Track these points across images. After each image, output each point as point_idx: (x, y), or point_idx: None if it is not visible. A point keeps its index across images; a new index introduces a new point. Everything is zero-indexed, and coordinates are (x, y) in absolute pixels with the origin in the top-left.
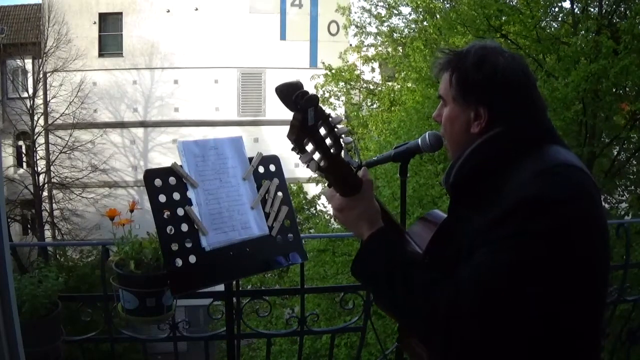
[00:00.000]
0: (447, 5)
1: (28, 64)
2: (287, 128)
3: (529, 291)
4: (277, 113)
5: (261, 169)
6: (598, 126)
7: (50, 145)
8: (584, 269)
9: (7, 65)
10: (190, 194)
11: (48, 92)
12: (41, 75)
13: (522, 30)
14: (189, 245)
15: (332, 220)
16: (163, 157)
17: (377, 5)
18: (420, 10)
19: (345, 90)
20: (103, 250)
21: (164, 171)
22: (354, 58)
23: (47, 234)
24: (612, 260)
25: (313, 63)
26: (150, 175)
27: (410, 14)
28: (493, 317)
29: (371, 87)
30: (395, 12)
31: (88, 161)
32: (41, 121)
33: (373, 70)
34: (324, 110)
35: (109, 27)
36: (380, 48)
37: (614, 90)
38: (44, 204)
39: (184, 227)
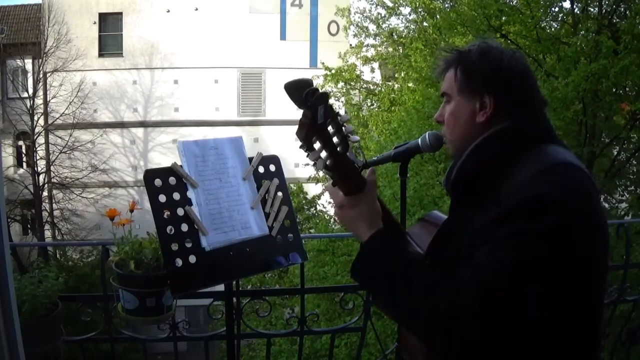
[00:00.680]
0: (447, 6)
1: (28, 64)
2: (287, 128)
3: (529, 291)
4: (277, 113)
5: (261, 169)
6: (598, 126)
7: (50, 145)
8: (583, 268)
9: (7, 65)
10: (190, 194)
11: (48, 92)
12: (41, 75)
13: (522, 30)
14: (189, 245)
15: (332, 220)
16: (163, 157)
17: (377, 5)
18: (420, 10)
19: (345, 90)
20: (103, 250)
21: (164, 171)
22: (353, 59)
23: (47, 234)
24: (612, 260)
25: (313, 63)
26: (150, 175)
27: (410, 14)
28: (493, 317)
29: (371, 87)
30: (395, 12)
31: (88, 161)
32: (41, 121)
33: (373, 70)
34: (333, 108)
35: (109, 27)
36: (380, 48)
37: (614, 90)
38: (44, 204)
39: (184, 227)
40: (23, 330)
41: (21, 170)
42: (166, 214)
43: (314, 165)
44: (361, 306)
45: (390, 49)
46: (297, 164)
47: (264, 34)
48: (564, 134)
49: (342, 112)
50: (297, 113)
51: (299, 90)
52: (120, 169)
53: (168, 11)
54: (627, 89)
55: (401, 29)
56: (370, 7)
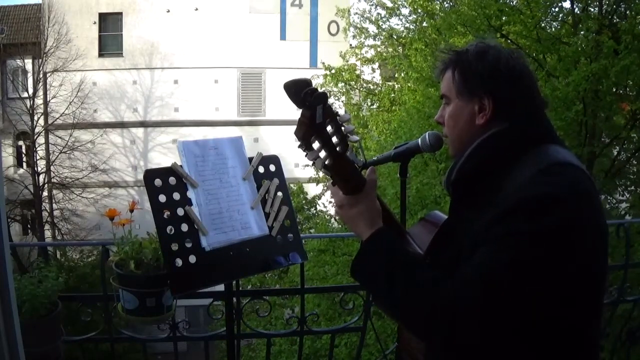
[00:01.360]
0: (447, 6)
1: (28, 64)
2: (287, 128)
3: (528, 290)
4: (277, 113)
5: (261, 169)
6: (598, 126)
7: (50, 145)
8: (583, 269)
9: (7, 65)
10: (190, 194)
11: (48, 92)
12: (41, 75)
13: (523, 30)
14: (189, 245)
15: (332, 220)
16: (163, 157)
17: (377, 6)
18: (420, 11)
19: (345, 90)
20: (103, 250)
21: (164, 171)
22: (353, 59)
23: (47, 234)
24: (613, 260)
25: (313, 63)
26: (150, 175)
27: (410, 15)
28: (492, 316)
29: (371, 87)
30: (395, 13)
31: (88, 161)
32: (41, 121)
33: (373, 70)
34: (332, 108)
35: (109, 27)
36: (380, 49)
37: (614, 90)
38: (44, 204)
39: (184, 227)
40: (23, 330)
41: (21, 170)
42: (166, 214)
43: (313, 164)
44: (361, 306)
45: (390, 50)
46: (297, 164)
47: (264, 34)
48: (565, 134)
49: (342, 111)
50: (297, 113)
51: (298, 90)
52: (120, 169)
53: (168, 11)
54: (627, 88)
55: (401, 30)
56: (370, 8)
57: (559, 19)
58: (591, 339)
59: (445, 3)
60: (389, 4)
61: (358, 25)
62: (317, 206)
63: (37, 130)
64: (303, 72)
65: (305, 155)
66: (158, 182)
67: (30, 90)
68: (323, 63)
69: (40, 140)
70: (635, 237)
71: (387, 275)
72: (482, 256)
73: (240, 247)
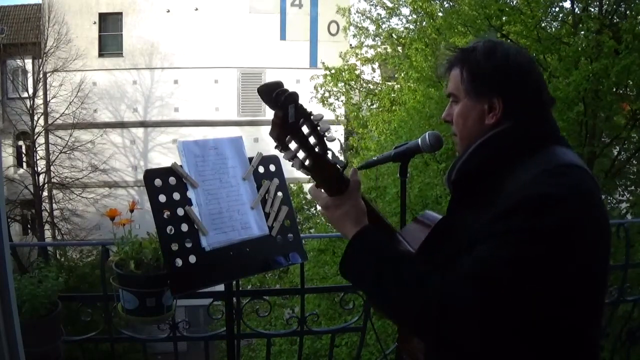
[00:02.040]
0: (447, 6)
1: (28, 64)
2: None
3: (527, 288)
4: None
5: (261, 169)
6: (598, 126)
7: (50, 145)
8: (583, 268)
9: (7, 65)
10: (190, 194)
11: (48, 92)
12: (41, 75)
13: (523, 30)
14: (189, 245)
15: None
16: (163, 157)
17: (377, 6)
18: (420, 12)
19: (345, 90)
20: (103, 250)
21: (164, 171)
22: (353, 59)
23: (47, 234)
24: (613, 260)
25: (313, 63)
26: (150, 175)
27: (410, 15)
28: (489, 314)
29: (371, 87)
30: (395, 13)
31: (88, 161)
32: (41, 121)
33: (373, 70)
34: (305, 108)
35: (109, 27)
36: (380, 49)
37: (614, 90)
38: (44, 204)
39: (184, 227)
40: (23, 330)
41: (21, 170)
42: (166, 214)
43: (292, 165)
44: (361, 306)
45: (390, 50)
46: None
47: (264, 34)
48: (567, 134)
49: (340, 112)
50: None
51: (270, 92)
52: (120, 169)
53: (168, 11)
54: (627, 89)
55: (401, 30)
56: (370, 8)
57: (559, 19)
58: (591, 339)
59: (445, 3)
60: (389, 4)
61: (358, 25)
62: (317, 206)
63: (37, 130)
64: (303, 72)
65: (283, 156)
66: (158, 182)
67: (30, 90)
68: (323, 63)
69: (40, 140)
70: (636, 237)
71: (374, 272)
72: (481, 253)
73: (240, 247)
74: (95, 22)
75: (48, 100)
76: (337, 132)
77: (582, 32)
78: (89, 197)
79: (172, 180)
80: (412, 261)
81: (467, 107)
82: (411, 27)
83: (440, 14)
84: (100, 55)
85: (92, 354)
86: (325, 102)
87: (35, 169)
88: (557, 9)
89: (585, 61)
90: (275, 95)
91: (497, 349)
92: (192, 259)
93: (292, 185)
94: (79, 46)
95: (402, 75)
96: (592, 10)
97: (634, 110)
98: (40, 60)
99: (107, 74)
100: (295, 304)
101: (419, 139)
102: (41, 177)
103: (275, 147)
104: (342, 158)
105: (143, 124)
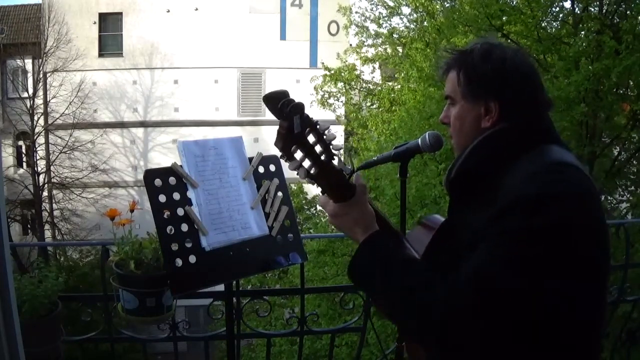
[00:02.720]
0: (448, 5)
1: (28, 64)
2: None
3: (524, 288)
4: None
5: (261, 169)
6: (599, 126)
7: (50, 145)
8: (581, 267)
9: (7, 65)
10: (190, 194)
11: (48, 92)
12: (41, 75)
13: (524, 30)
14: (189, 245)
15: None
16: (163, 157)
17: (378, 5)
18: (421, 10)
19: (344, 90)
20: (103, 250)
21: (164, 171)
22: (353, 58)
23: (47, 234)
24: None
25: (313, 63)
26: (150, 175)
27: (410, 14)
28: (489, 314)
29: (371, 87)
30: (396, 12)
31: (88, 161)
32: (41, 121)
33: (373, 70)
34: (311, 118)
35: (109, 27)
36: (380, 48)
37: (615, 90)
38: (44, 204)
39: (184, 227)
40: (23, 330)
41: (21, 170)
42: (166, 214)
43: (297, 174)
44: (361, 306)
45: (390, 50)
46: None
47: (264, 34)
48: (570, 134)
49: (339, 113)
50: None
51: (275, 102)
52: (120, 169)
53: (168, 11)
54: (628, 89)
55: (402, 29)
56: (372, 7)
57: (560, 19)
58: (591, 339)
59: (445, 2)
60: (390, 3)
61: (359, 24)
62: (317, 206)
63: (37, 130)
64: (303, 72)
65: (288, 166)
66: (158, 182)
67: (30, 90)
68: (323, 63)
69: (40, 140)
70: (636, 237)
71: (382, 277)
72: (479, 254)
73: (240, 247)
74: (95, 22)
75: (48, 100)
76: (337, 133)
77: (583, 32)
78: (89, 197)
79: (172, 180)
80: (418, 266)
81: (463, 110)
82: (412, 26)
83: (440, 13)
84: (100, 55)
85: (92, 354)
86: (325, 103)
87: (35, 169)
88: (557, 9)
89: (585, 61)
90: (281, 105)
91: (499, 351)
92: (192, 259)
93: (292, 185)
94: (79, 46)
95: (402, 75)
96: (593, 10)
97: (634, 111)
98: (40, 60)
99: (107, 74)
100: (295, 305)
101: (419, 139)
102: (41, 177)
103: (280, 157)
104: (347, 164)
105: (143, 124)
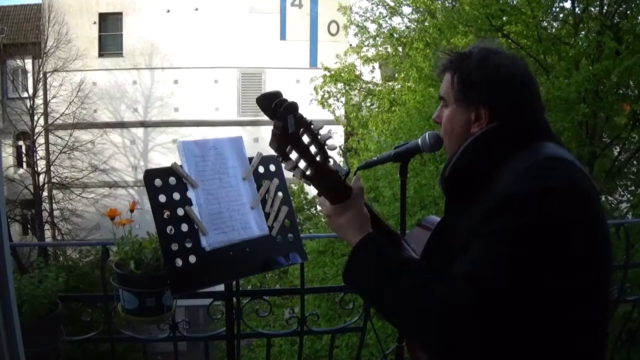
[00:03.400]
0: (448, 5)
1: (28, 64)
2: None
3: (519, 288)
4: None
5: (261, 169)
6: (599, 126)
7: (50, 145)
8: (572, 264)
9: (7, 65)
10: (190, 194)
11: (48, 92)
12: (41, 75)
13: (524, 30)
14: (189, 245)
15: None
16: (163, 157)
17: (378, 4)
18: (421, 10)
19: (344, 90)
20: (103, 250)
21: (164, 171)
22: (354, 58)
23: (47, 234)
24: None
25: (313, 63)
26: (150, 175)
27: (411, 14)
28: (484, 314)
29: (371, 87)
30: (397, 12)
31: (88, 161)
32: (41, 121)
33: (373, 70)
34: (305, 118)
35: (109, 27)
36: (380, 48)
37: (615, 90)
38: (44, 204)
39: (184, 227)
40: (23, 330)
41: (21, 170)
42: (166, 214)
43: (293, 175)
44: (361, 306)
45: (390, 50)
46: None
47: (264, 34)
48: (571, 135)
49: (339, 113)
50: None
51: (269, 102)
52: (120, 169)
53: (168, 11)
54: (628, 89)
55: (402, 29)
56: (372, 7)
57: (560, 19)
58: (593, 339)
59: (446, 2)
60: (391, 3)
61: (359, 24)
62: (317, 206)
63: (37, 130)
64: (303, 72)
65: (284, 166)
66: (158, 182)
67: (30, 90)
68: (322, 64)
69: (40, 140)
70: (636, 237)
71: (376, 281)
72: (472, 253)
73: (240, 247)
74: (95, 22)
75: (48, 100)
76: (337, 133)
77: (583, 33)
78: (89, 197)
79: (172, 180)
80: (413, 268)
81: (455, 113)
82: (412, 26)
83: (440, 13)
84: (100, 55)
85: (92, 354)
86: (325, 103)
87: (35, 169)
88: (557, 9)
89: (586, 62)
90: (274, 105)
91: (498, 351)
92: (192, 259)
93: (292, 185)
94: (79, 46)
95: (402, 75)
96: (593, 10)
97: (634, 111)
98: (40, 60)
99: (107, 74)
100: (295, 305)
101: (419, 139)
102: (41, 177)
103: (276, 158)
104: (343, 165)
105: (143, 124)
